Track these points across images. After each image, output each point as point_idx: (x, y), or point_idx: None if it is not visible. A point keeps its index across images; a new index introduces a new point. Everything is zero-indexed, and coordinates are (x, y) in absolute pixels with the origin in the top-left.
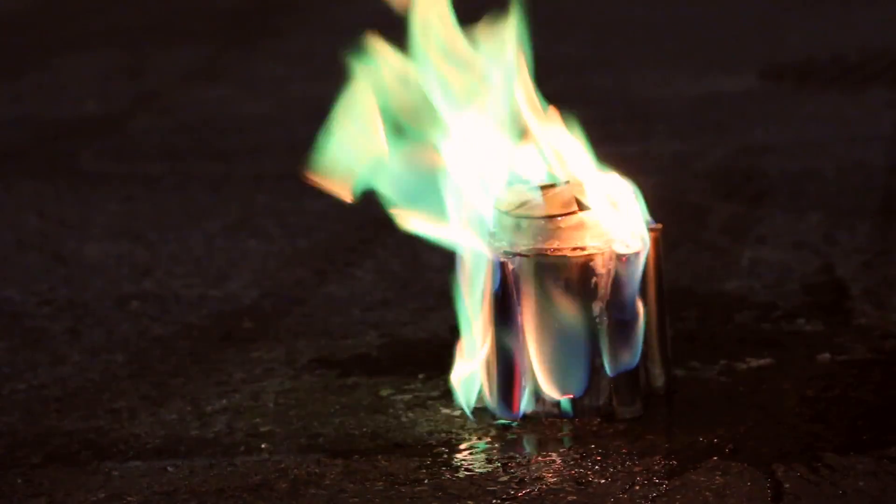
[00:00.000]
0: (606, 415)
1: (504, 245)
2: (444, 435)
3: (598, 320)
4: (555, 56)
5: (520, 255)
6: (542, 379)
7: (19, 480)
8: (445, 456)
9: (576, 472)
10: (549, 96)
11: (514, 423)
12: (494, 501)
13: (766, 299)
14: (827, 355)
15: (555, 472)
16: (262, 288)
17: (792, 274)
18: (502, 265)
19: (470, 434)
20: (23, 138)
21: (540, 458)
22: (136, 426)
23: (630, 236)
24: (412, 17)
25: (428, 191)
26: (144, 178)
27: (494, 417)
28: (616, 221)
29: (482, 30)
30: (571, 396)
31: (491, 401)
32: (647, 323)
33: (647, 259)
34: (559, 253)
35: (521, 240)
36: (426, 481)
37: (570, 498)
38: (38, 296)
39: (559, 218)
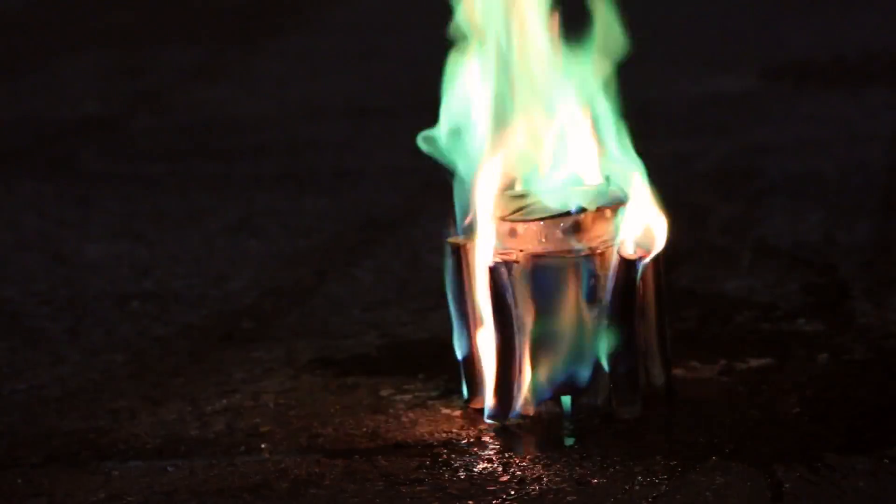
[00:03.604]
0: (606, 415)
1: (502, 248)
2: (444, 435)
3: (596, 321)
4: None
5: (516, 260)
6: (541, 379)
7: (19, 480)
8: (445, 456)
9: (576, 472)
10: None
11: (512, 424)
12: (494, 501)
13: (766, 299)
14: (827, 355)
15: (555, 472)
16: (262, 288)
17: (792, 274)
18: (500, 268)
19: (470, 434)
20: (23, 138)
21: (540, 458)
22: (136, 426)
23: (635, 240)
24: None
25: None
26: (144, 178)
27: (491, 418)
28: (618, 223)
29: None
30: (571, 396)
31: (488, 402)
32: (646, 323)
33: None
34: (557, 255)
35: (519, 244)
36: (426, 481)
37: (569, 498)
38: (37, 296)
39: (555, 220)
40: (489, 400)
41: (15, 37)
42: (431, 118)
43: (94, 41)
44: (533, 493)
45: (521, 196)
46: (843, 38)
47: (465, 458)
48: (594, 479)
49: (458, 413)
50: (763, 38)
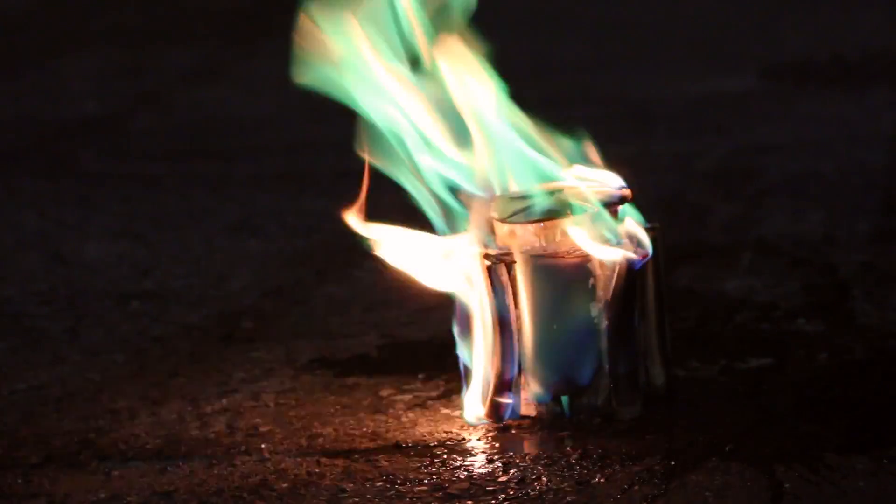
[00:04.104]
0: (606, 415)
1: (500, 250)
2: (444, 435)
3: (596, 321)
4: (555, 56)
5: (514, 260)
6: (541, 380)
7: (19, 480)
8: (445, 456)
9: (576, 472)
10: (550, 96)
11: (512, 424)
12: (494, 501)
13: (766, 299)
14: (827, 355)
15: (555, 471)
16: (262, 288)
17: (792, 274)
18: (498, 269)
19: (470, 434)
20: (23, 138)
21: (540, 458)
22: (136, 426)
23: (630, 241)
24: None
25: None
26: (144, 178)
27: (489, 418)
28: (615, 224)
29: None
30: (571, 397)
31: (487, 402)
32: (646, 323)
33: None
34: (556, 256)
35: (518, 244)
36: (426, 481)
37: (569, 498)
38: (38, 296)
39: (553, 222)
40: (489, 401)
41: (15, 37)
42: None
43: (94, 41)
44: (533, 493)
45: (519, 198)
46: (843, 38)
47: (465, 458)
48: (594, 479)
49: (458, 413)
50: (763, 38)
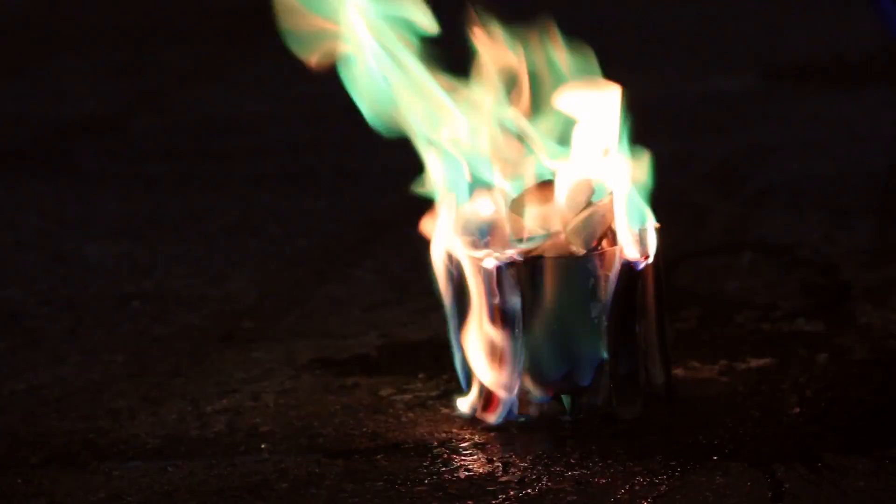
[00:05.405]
0: (606, 415)
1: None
2: (444, 435)
3: (596, 321)
4: None
5: (516, 259)
6: (542, 380)
7: (19, 480)
8: (445, 456)
9: (576, 472)
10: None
11: (512, 424)
12: (494, 502)
13: (766, 299)
14: (827, 355)
15: (555, 472)
16: (262, 288)
17: (792, 274)
18: (503, 269)
19: (470, 434)
20: (23, 138)
21: (540, 458)
22: (136, 426)
23: (633, 241)
24: None
25: None
26: (144, 178)
27: (486, 418)
28: (618, 226)
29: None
30: (571, 396)
31: (487, 402)
32: (646, 323)
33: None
34: (556, 256)
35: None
36: (426, 481)
37: (570, 498)
38: (37, 296)
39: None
40: (488, 400)
41: (15, 37)
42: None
43: (94, 41)
44: (533, 493)
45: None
46: (843, 38)
47: (465, 458)
48: (594, 479)
49: (457, 413)
50: (763, 38)
